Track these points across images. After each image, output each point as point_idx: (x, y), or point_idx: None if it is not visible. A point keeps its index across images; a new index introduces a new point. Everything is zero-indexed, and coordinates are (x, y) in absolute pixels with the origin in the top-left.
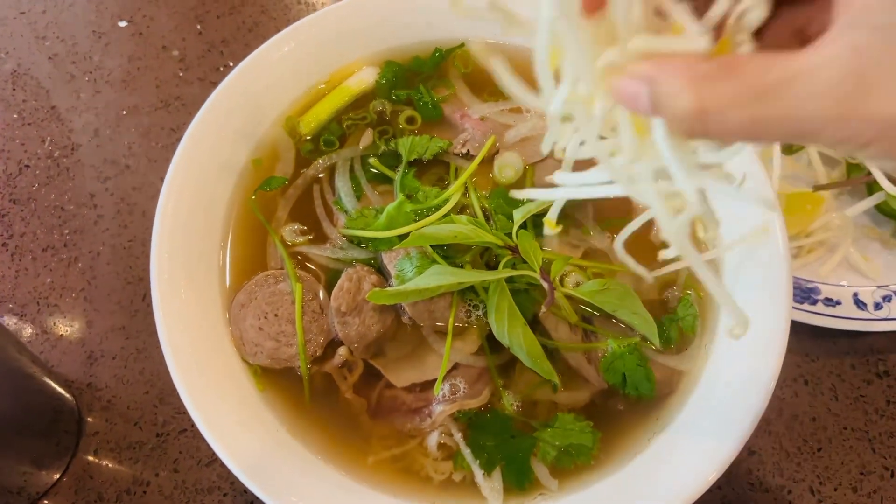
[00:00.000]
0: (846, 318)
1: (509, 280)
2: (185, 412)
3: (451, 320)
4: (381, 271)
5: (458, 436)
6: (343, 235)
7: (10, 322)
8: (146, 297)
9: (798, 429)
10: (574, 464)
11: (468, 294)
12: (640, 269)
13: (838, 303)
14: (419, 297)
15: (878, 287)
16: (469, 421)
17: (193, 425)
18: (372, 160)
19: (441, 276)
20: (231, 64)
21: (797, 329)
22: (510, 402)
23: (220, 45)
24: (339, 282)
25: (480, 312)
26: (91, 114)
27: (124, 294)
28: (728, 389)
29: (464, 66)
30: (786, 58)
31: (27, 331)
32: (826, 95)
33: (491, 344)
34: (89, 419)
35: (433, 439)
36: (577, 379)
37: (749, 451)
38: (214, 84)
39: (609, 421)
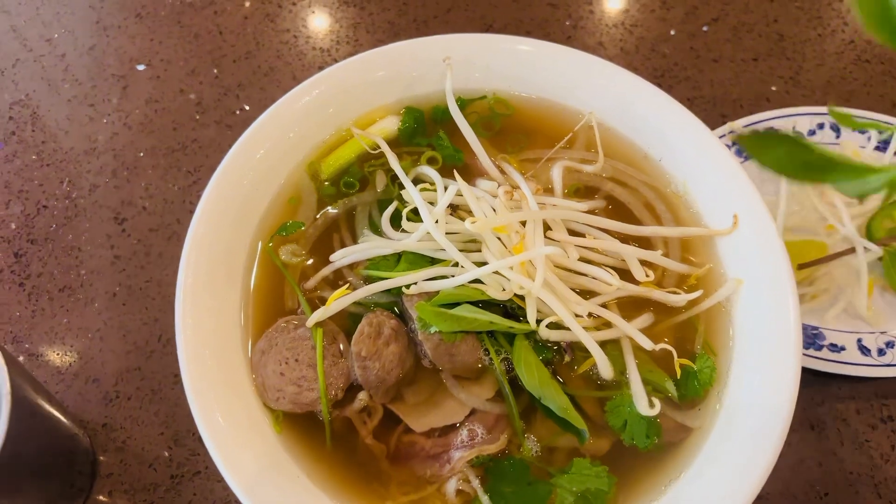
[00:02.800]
0: (851, 364)
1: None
2: (199, 454)
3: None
4: (402, 315)
5: (475, 482)
6: (363, 277)
7: (26, 362)
8: (161, 337)
9: (805, 473)
10: None
11: (489, 341)
12: (644, 339)
13: (843, 348)
14: (457, 326)
15: (882, 333)
16: (487, 467)
17: (208, 467)
18: (406, 213)
19: (475, 312)
20: (247, 108)
21: (803, 374)
22: (530, 448)
23: (237, 88)
24: (360, 326)
25: (501, 359)
26: (109, 155)
27: (140, 335)
28: (740, 438)
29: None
30: None
31: (43, 371)
32: None
33: (511, 390)
34: (103, 459)
35: (451, 485)
36: (596, 427)
37: (757, 496)
38: (231, 127)
39: (625, 466)
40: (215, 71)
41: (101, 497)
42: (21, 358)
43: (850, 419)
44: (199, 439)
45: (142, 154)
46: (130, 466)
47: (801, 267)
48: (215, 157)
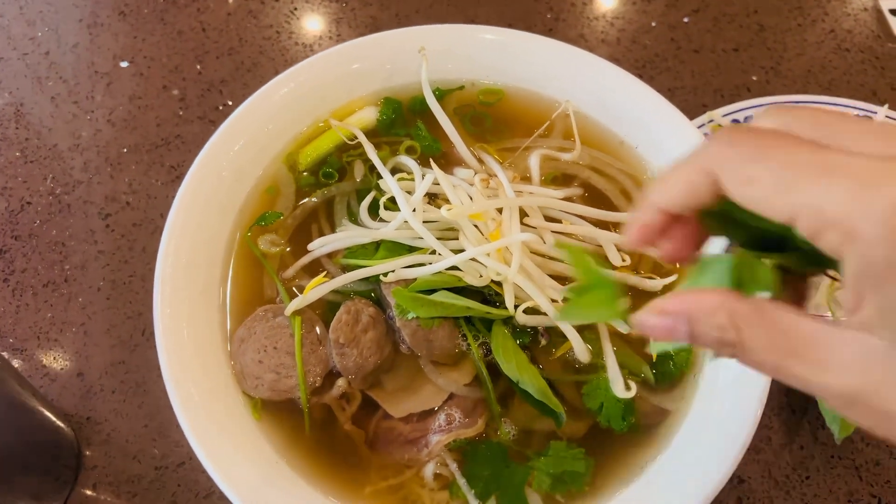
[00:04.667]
0: None
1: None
2: (183, 445)
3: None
4: (380, 303)
5: (453, 466)
6: (341, 266)
7: (11, 357)
8: (145, 331)
9: (786, 457)
10: (568, 490)
11: (466, 326)
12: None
13: None
14: (434, 312)
15: None
16: (464, 451)
17: (192, 458)
18: (384, 202)
19: (452, 298)
20: (230, 103)
21: None
22: (507, 432)
23: (220, 84)
24: (338, 314)
25: (478, 343)
26: (92, 152)
27: (124, 329)
28: (717, 419)
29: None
30: (814, 323)
31: (27, 365)
32: (845, 373)
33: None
34: (88, 453)
35: (429, 469)
36: (573, 410)
37: (739, 479)
38: (214, 122)
39: (601, 448)
40: (198, 67)
41: (85, 490)
42: (5, 353)
43: None
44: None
45: (125, 150)
46: (115, 459)
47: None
48: (198, 152)
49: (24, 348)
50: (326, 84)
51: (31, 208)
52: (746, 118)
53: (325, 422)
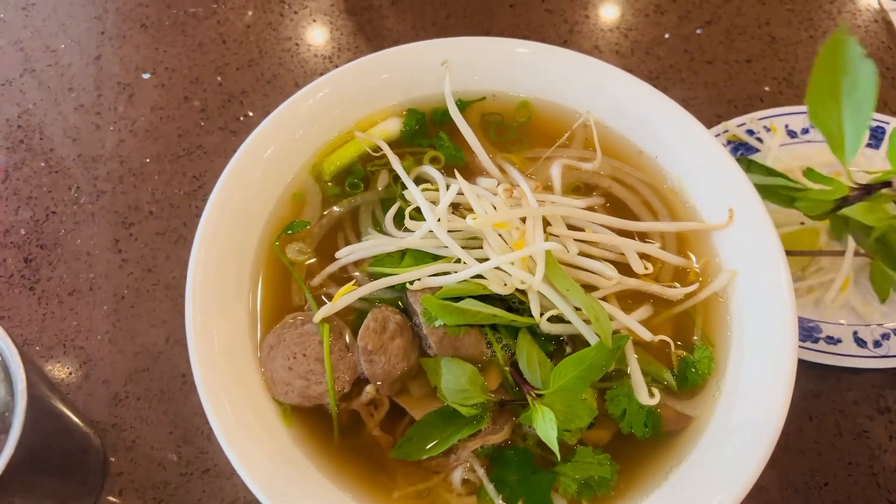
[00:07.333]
0: (847, 356)
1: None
2: (208, 452)
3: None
4: (406, 311)
5: (481, 471)
6: (367, 273)
7: (37, 364)
8: (169, 339)
9: (805, 464)
10: (594, 496)
11: (491, 334)
12: (644, 331)
13: (839, 341)
14: (462, 320)
15: (877, 326)
16: (491, 457)
17: (217, 465)
18: (409, 212)
19: (479, 306)
20: (251, 114)
21: (801, 366)
22: (534, 437)
23: (240, 95)
24: (366, 321)
25: (502, 347)
26: (115, 162)
27: (148, 336)
28: (740, 426)
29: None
30: None
31: (53, 372)
32: None
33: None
34: (114, 459)
35: (457, 475)
36: (598, 416)
37: (757, 486)
38: (235, 133)
39: (626, 454)
40: (219, 79)
41: (111, 497)
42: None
43: (848, 410)
44: (208, 437)
45: (148, 160)
46: (140, 465)
47: (789, 254)
48: (220, 162)
49: (51, 356)
50: (352, 95)
51: (55, 217)
52: (765, 128)
53: (354, 428)
